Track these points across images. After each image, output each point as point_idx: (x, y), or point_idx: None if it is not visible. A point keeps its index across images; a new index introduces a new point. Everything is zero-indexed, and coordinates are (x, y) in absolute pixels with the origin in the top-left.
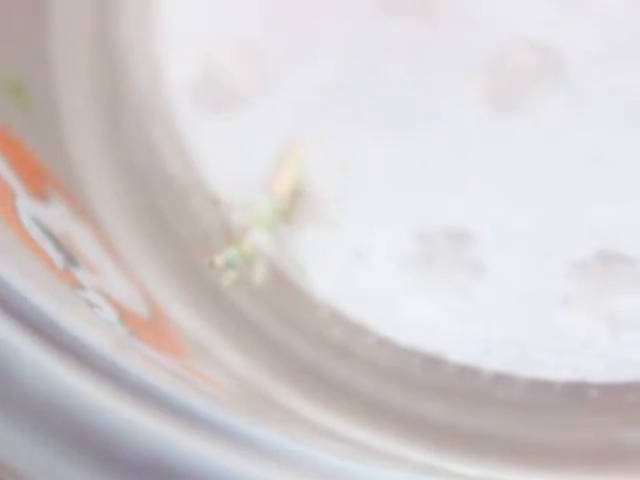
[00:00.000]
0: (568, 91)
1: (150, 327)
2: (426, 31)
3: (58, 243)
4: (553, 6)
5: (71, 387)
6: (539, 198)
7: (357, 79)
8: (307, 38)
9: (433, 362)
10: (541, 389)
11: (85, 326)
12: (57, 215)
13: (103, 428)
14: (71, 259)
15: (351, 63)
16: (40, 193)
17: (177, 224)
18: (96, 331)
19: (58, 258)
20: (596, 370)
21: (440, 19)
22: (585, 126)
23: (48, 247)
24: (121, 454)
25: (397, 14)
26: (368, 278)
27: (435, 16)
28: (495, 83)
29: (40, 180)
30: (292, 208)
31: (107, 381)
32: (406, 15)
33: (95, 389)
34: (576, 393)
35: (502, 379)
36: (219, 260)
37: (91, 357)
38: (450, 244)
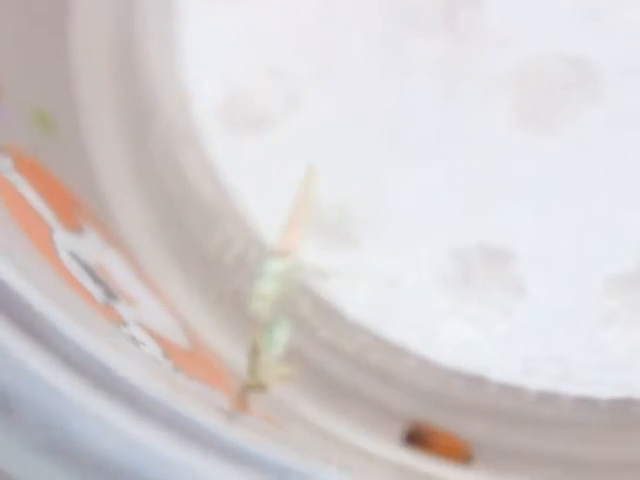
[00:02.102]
0: (602, 105)
1: (192, 358)
2: (451, 49)
3: (95, 276)
4: (583, 18)
5: (127, 435)
6: (576, 214)
7: (385, 99)
8: (333, 59)
9: (476, 382)
10: (587, 407)
11: (135, 370)
12: (91, 246)
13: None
14: (110, 293)
15: (378, 82)
16: (74, 224)
17: (209, 248)
18: (146, 374)
19: (98, 293)
20: None
21: (465, 36)
22: (620, 139)
23: (87, 282)
24: None
25: (421, 32)
26: (406, 300)
27: (460, 33)
28: (526, 100)
29: (72, 211)
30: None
31: (162, 426)
32: (430, 33)
33: (148, 434)
34: (622, 410)
35: (546, 398)
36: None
37: (144, 402)
38: (488, 263)
